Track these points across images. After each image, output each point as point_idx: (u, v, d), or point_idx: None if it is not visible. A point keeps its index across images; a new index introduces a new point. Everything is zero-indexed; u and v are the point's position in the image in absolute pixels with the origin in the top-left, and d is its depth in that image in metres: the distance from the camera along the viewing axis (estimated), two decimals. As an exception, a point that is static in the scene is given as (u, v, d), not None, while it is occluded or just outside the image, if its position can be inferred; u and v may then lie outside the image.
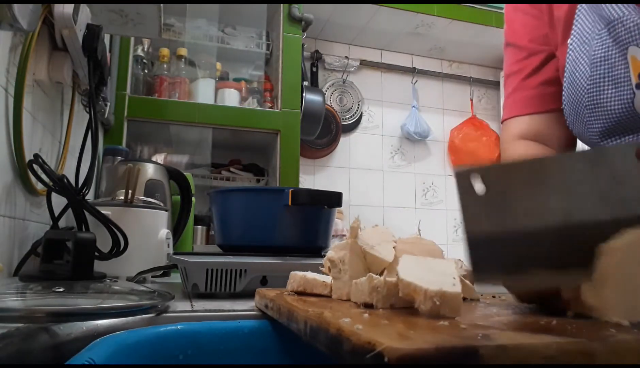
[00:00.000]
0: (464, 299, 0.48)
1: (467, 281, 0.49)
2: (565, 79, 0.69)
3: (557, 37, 0.74)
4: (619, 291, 0.33)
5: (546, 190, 0.35)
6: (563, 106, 0.71)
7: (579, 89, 0.66)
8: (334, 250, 0.47)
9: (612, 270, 0.32)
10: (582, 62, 0.66)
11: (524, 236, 0.35)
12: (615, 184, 0.34)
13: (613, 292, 0.33)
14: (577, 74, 0.67)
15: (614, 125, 0.63)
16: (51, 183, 0.73)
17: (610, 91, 0.63)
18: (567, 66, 0.69)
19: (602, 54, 0.63)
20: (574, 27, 0.68)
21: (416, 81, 2.76)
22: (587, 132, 0.67)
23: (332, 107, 2.57)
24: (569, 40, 0.69)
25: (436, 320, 0.33)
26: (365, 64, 2.68)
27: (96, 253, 0.70)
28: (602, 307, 0.33)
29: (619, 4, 0.61)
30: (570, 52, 0.68)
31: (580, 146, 0.83)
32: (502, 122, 0.85)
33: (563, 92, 0.70)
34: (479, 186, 0.36)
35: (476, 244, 0.36)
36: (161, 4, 1.03)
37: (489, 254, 0.36)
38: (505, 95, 0.85)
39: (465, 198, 0.36)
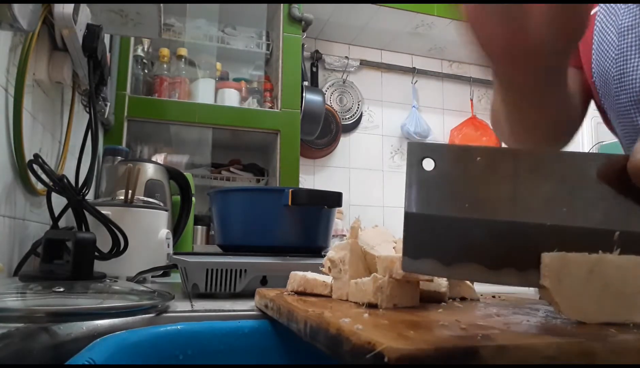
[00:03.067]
0: (464, 299, 0.48)
1: (467, 282, 0.49)
2: (593, 51, 0.68)
3: None
4: (567, 296, 0.32)
5: (496, 183, 0.34)
6: (593, 78, 0.69)
7: (607, 59, 0.65)
8: (334, 250, 0.47)
9: (555, 279, 0.33)
10: (610, 32, 0.65)
11: (465, 227, 0.34)
12: (565, 192, 0.33)
13: (563, 297, 0.32)
14: (604, 44, 0.65)
15: (639, 96, 0.62)
16: (51, 183, 0.73)
17: (637, 60, 0.61)
18: (595, 36, 0.67)
19: (630, 23, 0.62)
20: (599, 5, 0.67)
21: (416, 81, 2.76)
22: (616, 104, 0.66)
23: (332, 107, 2.57)
24: (594, 10, 0.68)
25: (436, 320, 0.33)
26: (365, 64, 2.68)
27: (96, 253, 0.70)
28: (561, 308, 0.33)
29: None
30: (598, 23, 0.67)
31: (582, 141, 0.83)
32: None
33: (592, 64, 0.69)
34: (429, 165, 0.35)
35: (414, 224, 0.35)
36: (161, 4, 1.03)
37: (426, 237, 0.35)
38: None
39: (412, 175, 0.35)
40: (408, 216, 0.35)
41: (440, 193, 0.34)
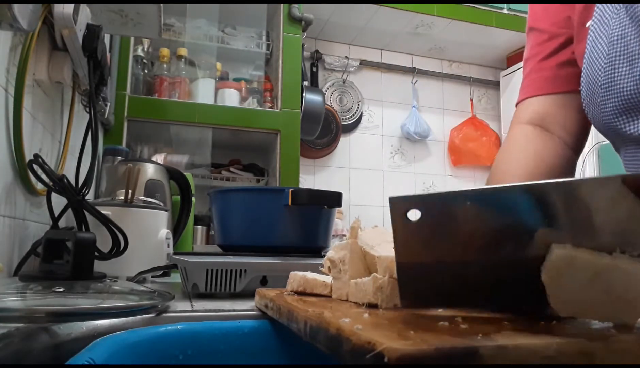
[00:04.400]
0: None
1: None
2: (584, 60, 0.69)
3: (575, 20, 0.74)
4: (563, 294, 0.32)
5: (480, 222, 0.34)
6: (581, 87, 0.70)
7: (597, 68, 0.65)
8: (334, 250, 0.47)
9: (555, 275, 0.32)
10: (601, 41, 0.65)
11: (453, 268, 0.35)
12: (545, 221, 0.32)
13: (559, 293, 0.32)
14: (595, 53, 0.66)
15: (626, 104, 0.63)
16: (51, 183, 0.73)
17: (624, 69, 0.62)
18: (587, 46, 0.68)
19: (620, 32, 0.63)
20: (595, 9, 0.68)
21: (416, 81, 2.76)
22: (601, 112, 0.66)
23: (332, 107, 2.57)
24: (589, 23, 0.68)
25: (436, 320, 0.33)
26: (365, 64, 2.68)
27: (96, 253, 0.70)
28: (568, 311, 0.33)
29: None
30: (591, 33, 0.68)
31: (590, 139, 0.83)
32: (516, 105, 0.84)
33: (582, 74, 0.69)
34: (413, 215, 0.35)
35: (407, 272, 0.36)
36: (161, 4, 1.03)
37: (420, 282, 0.36)
38: (523, 78, 0.84)
39: (398, 226, 0.35)
40: (399, 265, 0.36)
41: (428, 241, 0.35)
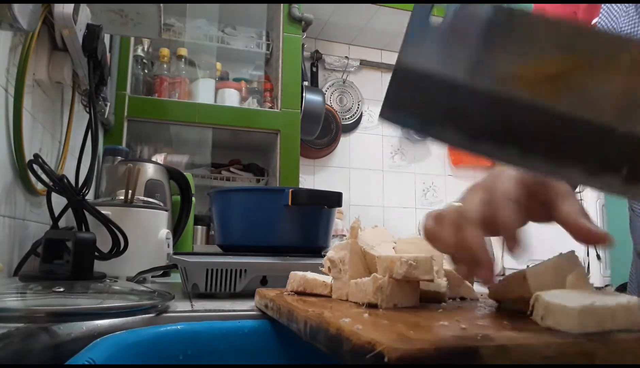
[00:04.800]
0: (464, 299, 0.48)
1: (467, 282, 0.49)
2: None
3: (580, 18, 0.73)
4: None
5: (504, 41, 0.28)
6: None
7: None
8: (334, 250, 0.47)
9: (541, 287, 0.34)
10: None
11: (461, 90, 0.29)
12: (591, 77, 0.27)
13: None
14: None
15: None
16: (51, 183, 0.73)
17: None
18: None
19: (629, 30, 0.62)
20: (602, 6, 0.67)
21: (416, 81, 2.76)
22: None
23: (332, 107, 2.57)
24: (596, 20, 0.68)
25: (436, 320, 0.33)
26: (365, 64, 2.68)
27: (96, 253, 0.70)
28: None
29: None
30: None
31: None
32: None
33: None
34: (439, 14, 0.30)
35: (404, 75, 0.31)
36: (161, 4, 1.03)
37: (412, 92, 0.31)
38: None
39: (417, 23, 0.30)
40: (400, 66, 0.31)
41: (440, 49, 0.30)
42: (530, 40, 0.28)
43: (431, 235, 0.40)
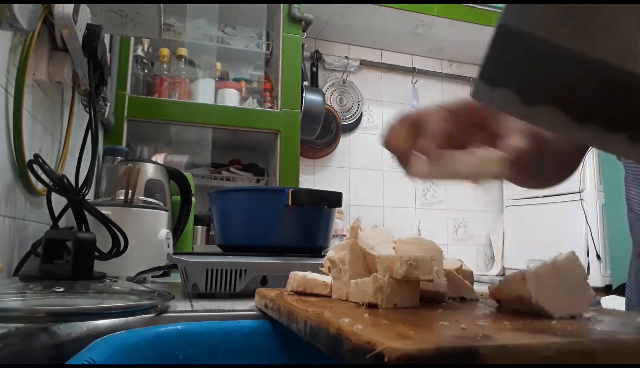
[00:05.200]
0: (464, 299, 0.48)
1: (467, 282, 0.49)
2: None
3: None
4: (552, 297, 0.35)
5: (631, 14, 0.24)
6: None
7: None
8: (334, 250, 0.47)
9: (541, 287, 0.36)
10: None
11: (566, 61, 0.25)
12: None
13: (549, 299, 0.35)
14: None
15: None
16: (51, 183, 0.73)
17: None
18: None
19: None
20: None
21: (416, 81, 2.76)
22: None
23: (332, 107, 2.57)
24: None
25: (436, 320, 0.33)
26: (365, 64, 2.68)
27: (96, 253, 0.70)
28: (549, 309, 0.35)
29: None
30: None
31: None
32: None
33: None
34: None
35: (505, 42, 0.26)
36: (161, 4, 1.03)
37: (512, 63, 0.27)
38: None
39: None
40: (500, 30, 0.27)
41: (550, 12, 0.25)
42: None
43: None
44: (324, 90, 2.57)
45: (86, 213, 0.76)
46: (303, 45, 2.09)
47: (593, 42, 0.25)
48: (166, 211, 0.90)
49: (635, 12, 0.24)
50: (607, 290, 1.98)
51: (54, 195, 0.76)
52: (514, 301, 0.39)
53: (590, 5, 0.24)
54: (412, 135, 0.43)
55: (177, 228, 1.12)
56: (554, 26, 0.25)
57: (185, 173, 1.16)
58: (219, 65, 2.02)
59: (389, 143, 0.45)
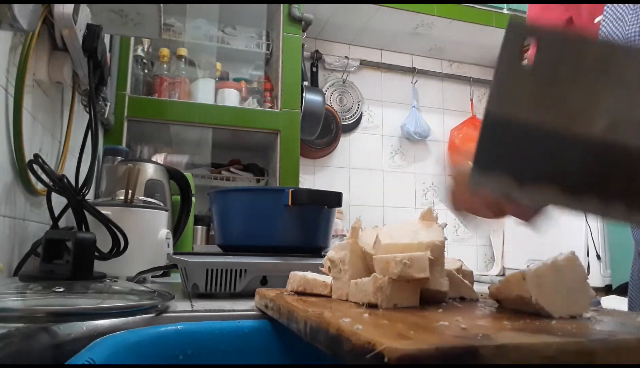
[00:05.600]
0: (463, 299, 0.48)
1: (467, 282, 0.49)
2: None
3: (584, 16, 0.72)
4: (552, 297, 0.35)
5: (603, 92, 0.26)
6: None
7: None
8: (334, 250, 0.47)
9: (541, 287, 0.35)
10: (616, 38, 0.64)
11: (552, 140, 0.27)
12: None
13: (549, 299, 0.35)
14: None
15: None
16: (51, 183, 0.73)
17: None
18: None
19: (638, 29, 0.62)
20: (605, 6, 0.67)
21: (416, 81, 2.76)
22: None
23: (332, 107, 2.57)
24: (600, 18, 0.67)
25: (436, 320, 0.33)
26: (365, 64, 2.68)
27: (96, 253, 0.70)
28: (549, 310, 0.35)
29: None
30: (603, 28, 0.66)
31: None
32: None
33: None
34: (526, 59, 0.28)
35: (495, 128, 0.28)
36: (161, 4, 1.03)
37: (505, 146, 0.28)
38: None
39: (505, 64, 0.28)
40: (489, 117, 0.29)
41: (532, 93, 0.28)
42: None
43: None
44: (324, 90, 2.57)
45: (86, 213, 0.76)
46: (303, 45, 2.09)
47: (577, 120, 0.27)
48: (166, 211, 0.90)
49: (614, 88, 0.26)
50: (607, 290, 1.98)
51: (54, 195, 0.76)
52: (514, 301, 0.39)
53: (571, 85, 0.26)
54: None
55: (177, 228, 1.12)
56: (537, 109, 0.27)
57: (185, 173, 1.16)
58: (219, 65, 2.02)
59: (457, 208, 0.45)
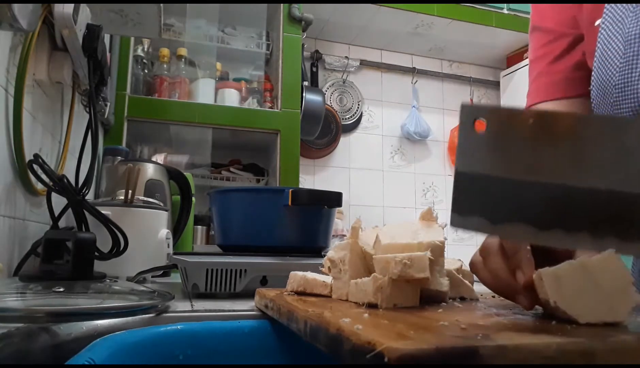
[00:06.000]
0: (464, 299, 0.48)
1: (467, 282, 0.49)
2: (595, 59, 0.67)
3: (584, 19, 0.72)
4: (578, 301, 0.33)
5: (549, 146, 0.33)
6: (591, 87, 0.68)
7: (611, 67, 0.64)
8: (334, 250, 0.47)
9: (561, 289, 0.33)
10: (616, 40, 0.63)
11: (517, 187, 0.33)
12: (622, 156, 0.31)
13: (574, 302, 0.33)
14: (609, 52, 0.64)
15: None
16: (51, 183, 0.73)
17: None
18: (599, 45, 0.66)
19: (637, 31, 0.62)
20: (605, 6, 0.67)
21: (416, 81, 2.76)
22: (616, 113, 0.65)
23: (332, 107, 2.57)
24: (600, 20, 0.67)
25: (436, 320, 0.33)
26: (365, 64, 2.68)
27: (96, 253, 0.70)
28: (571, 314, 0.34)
29: None
30: (603, 31, 0.66)
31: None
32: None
33: (592, 73, 0.67)
34: (480, 126, 0.35)
35: (465, 182, 0.35)
36: (161, 4, 1.03)
37: (475, 196, 0.34)
38: (530, 81, 0.81)
39: (464, 134, 0.35)
40: (458, 175, 0.35)
41: (491, 154, 0.34)
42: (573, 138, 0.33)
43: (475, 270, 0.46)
44: (324, 90, 2.57)
45: (86, 213, 0.76)
46: (303, 45, 2.09)
47: (527, 171, 0.33)
48: (166, 211, 0.90)
49: (547, 147, 0.33)
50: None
51: (54, 195, 0.76)
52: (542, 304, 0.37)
53: (513, 146, 0.34)
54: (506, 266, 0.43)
55: (177, 228, 1.12)
56: (494, 164, 0.34)
57: (185, 173, 1.16)
58: (219, 65, 2.02)
59: (492, 284, 0.45)
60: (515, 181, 0.33)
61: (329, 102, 2.57)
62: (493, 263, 0.43)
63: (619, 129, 0.32)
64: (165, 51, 1.91)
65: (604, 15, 0.66)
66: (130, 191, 0.83)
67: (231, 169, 2.08)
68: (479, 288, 0.49)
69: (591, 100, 0.69)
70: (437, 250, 0.42)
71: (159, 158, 1.81)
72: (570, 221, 0.32)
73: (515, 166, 0.33)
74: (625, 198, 0.31)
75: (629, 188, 0.31)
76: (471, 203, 0.35)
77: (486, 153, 0.34)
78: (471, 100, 2.84)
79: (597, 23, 0.67)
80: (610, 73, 0.64)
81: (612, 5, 0.65)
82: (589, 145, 0.32)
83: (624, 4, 0.64)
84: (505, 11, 2.45)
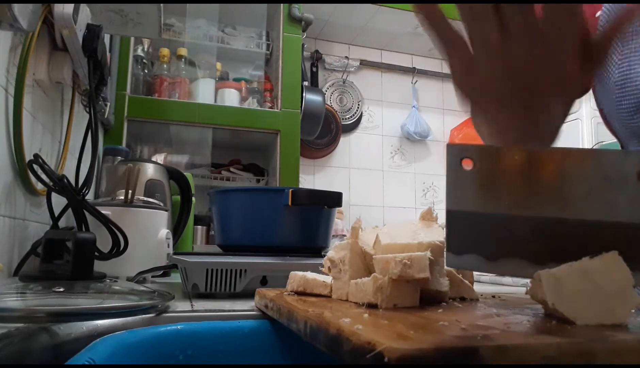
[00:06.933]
0: (464, 299, 0.48)
1: (467, 282, 0.49)
2: None
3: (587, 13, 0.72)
4: (577, 303, 0.32)
5: (535, 181, 0.34)
6: (594, 83, 0.69)
7: (610, 63, 0.64)
8: (334, 250, 0.47)
9: (560, 291, 0.32)
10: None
11: (509, 223, 0.34)
12: (605, 187, 0.33)
13: (572, 305, 0.32)
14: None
15: None
16: (51, 183, 0.73)
17: None
18: None
19: (634, 28, 0.62)
20: (603, 7, 0.67)
21: (416, 81, 2.76)
22: (617, 110, 0.65)
23: (332, 107, 2.57)
24: (598, 13, 0.67)
25: (436, 320, 0.33)
26: (365, 64, 2.68)
27: (96, 253, 0.70)
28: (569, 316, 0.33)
29: None
30: (601, 26, 0.66)
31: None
32: None
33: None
34: (468, 165, 0.35)
35: (456, 221, 0.36)
36: (161, 4, 1.03)
37: (469, 234, 0.35)
38: None
39: (452, 175, 0.35)
40: (450, 214, 0.36)
41: (480, 191, 0.35)
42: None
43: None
44: (324, 90, 2.57)
45: (86, 213, 0.76)
46: (303, 45, 2.09)
47: (521, 206, 0.34)
48: (166, 211, 0.90)
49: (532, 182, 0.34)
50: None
51: (54, 195, 0.76)
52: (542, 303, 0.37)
53: (498, 182, 0.35)
54: None
55: (177, 228, 1.12)
56: (483, 202, 0.35)
57: (185, 173, 1.16)
58: (219, 65, 2.02)
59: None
60: (506, 217, 0.34)
61: (329, 102, 2.57)
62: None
63: (600, 161, 0.34)
64: (165, 51, 1.91)
65: (602, 11, 0.67)
66: (130, 191, 0.83)
67: (231, 169, 2.08)
68: (479, 288, 0.49)
69: (595, 97, 0.69)
70: (437, 250, 0.42)
71: (159, 158, 1.81)
72: (563, 254, 0.33)
73: (505, 202, 0.34)
74: (613, 227, 0.33)
75: (615, 218, 0.33)
76: (465, 241, 0.36)
77: (475, 190, 0.35)
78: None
79: (598, 14, 0.67)
80: (609, 69, 0.64)
81: (611, 5, 0.65)
82: (573, 177, 0.33)
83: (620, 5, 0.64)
84: (505, 11, 2.45)
